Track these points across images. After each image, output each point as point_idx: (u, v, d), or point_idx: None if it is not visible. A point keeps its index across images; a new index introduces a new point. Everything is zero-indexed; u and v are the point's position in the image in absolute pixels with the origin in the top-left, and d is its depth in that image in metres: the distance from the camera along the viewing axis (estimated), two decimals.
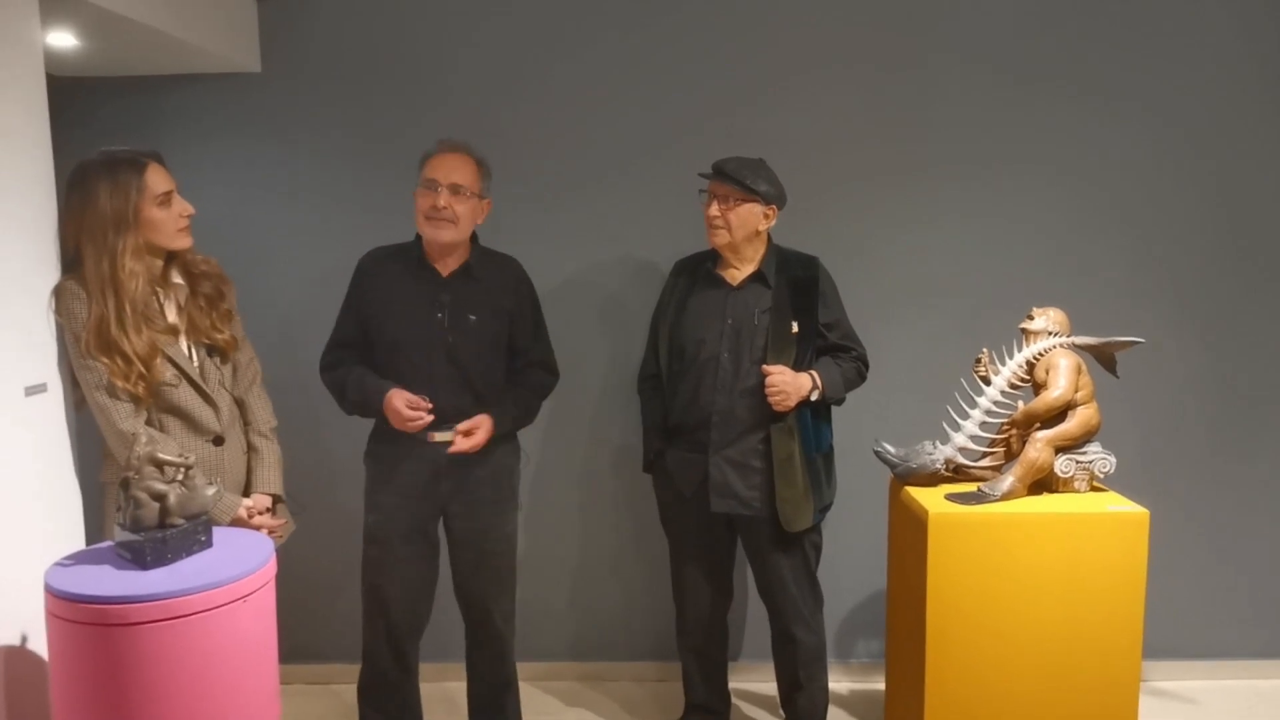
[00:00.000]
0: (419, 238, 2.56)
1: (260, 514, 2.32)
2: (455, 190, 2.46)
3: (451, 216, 2.46)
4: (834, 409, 2.71)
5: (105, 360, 2.09)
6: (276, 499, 2.40)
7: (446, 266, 2.54)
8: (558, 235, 3.18)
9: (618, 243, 3.20)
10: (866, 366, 2.70)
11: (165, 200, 2.20)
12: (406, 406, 2.42)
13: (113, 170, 2.15)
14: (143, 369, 2.12)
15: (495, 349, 2.59)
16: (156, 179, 2.19)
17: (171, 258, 2.29)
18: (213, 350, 2.32)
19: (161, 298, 2.25)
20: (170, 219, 2.21)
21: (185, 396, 2.23)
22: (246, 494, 2.37)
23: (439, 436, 2.50)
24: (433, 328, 2.50)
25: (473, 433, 2.49)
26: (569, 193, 3.18)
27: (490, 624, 2.68)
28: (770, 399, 2.51)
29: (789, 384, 2.51)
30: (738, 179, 2.53)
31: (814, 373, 2.57)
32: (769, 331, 2.56)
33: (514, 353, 2.65)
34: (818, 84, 3.13)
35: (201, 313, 2.29)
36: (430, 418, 2.44)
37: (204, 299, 2.31)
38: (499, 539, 2.65)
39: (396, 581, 2.57)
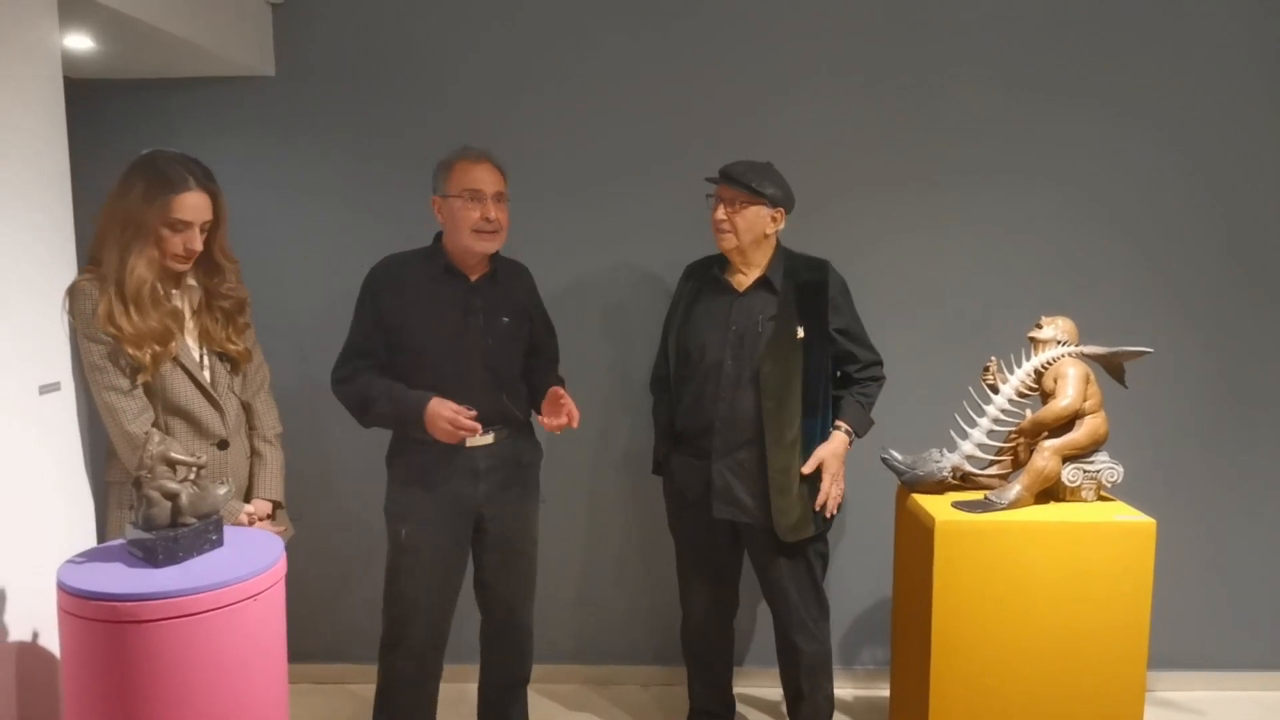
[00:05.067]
0: (438, 243, 2.56)
1: (261, 520, 2.33)
2: (498, 199, 2.47)
3: (498, 226, 2.47)
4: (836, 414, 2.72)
5: (114, 331, 2.10)
6: (277, 505, 2.41)
7: (474, 271, 2.54)
8: (564, 239, 3.19)
9: (623, 248, 3.21)
10: (882, 369, 2.71)
11: (178, 227, 2.17)
12: (454, 415, 2.38)
13: (158, 176, 2.15)
14: (155, 345, 2.13)
15: (522, 352, 2.62)
16: (185, 207, 2.16)
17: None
18: (224, 356, 2.33)
19: (178, 299, 2.26)
20: (172, 245, 2.18)
21: (192, 400, 2.24)
22: (247, 499, 2.38)
23: (474, 441, 2.50)
24: (469, 333, 2.49)
25: (560, 409, 2.45)
26: (575, 197, 3.20)
27: (514, 622, 2.69)
28: (833, 501, 2.60)
29: (836, 467, 2.59)
30: (744, 182, 2.52)
31: (841, 423, 2.63)
32: (771, 339, 2.56)
33: (531, 352, 2.66)
34: (825, 91, 3.14)
35: (217, 324, 2.30)
36: (478, 426, 2.41)
37: (220, 312, 2.32)
38: (528, 538, 2.67)
39: (431, 591, 2.55)
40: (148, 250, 2.15)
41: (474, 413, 2.40)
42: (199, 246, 2.22)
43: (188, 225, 2.18)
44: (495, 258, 2.60)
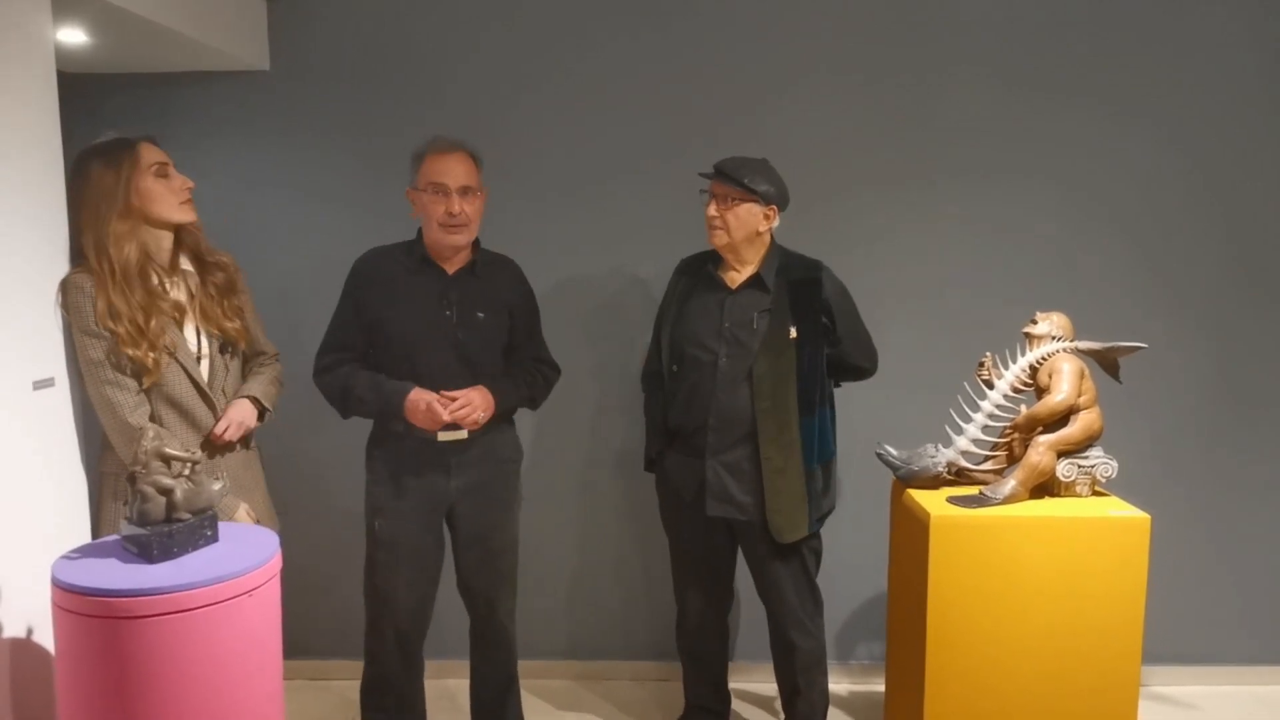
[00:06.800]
0: (419, 236, 2.56)
1: (238, 427, 2.32)
2: (464, 192, 2.46)
3: (465, 220, 2.46)
4: (838, 413, 2.71)
5: (112, 326, 2.11)
6: (261, 409, 2.38)
7: (452, 265, 2.54)
8: (557, 238, 3.19)
9: (616, 246, 3.21)
10: (866, 370, 2.72)
11: (161, 171, 2.23)
12: (433, 401, 2.40)
13: (105, 150, 2.21)
14: (148, 332, 2.14)
15: (500, 346, 2.60)
16: (149, 153, 2.23)
17: (180, 243, 2.30)
18: (225, 346, 2.33)
19: (168, 284, 2.26)
20: (169, 191, 2.24)
21: (187, 395, 2.24)
22: (241, 493, 2.37)
23: (447, 436, 2.50)
24: (443, 326, 2.50)
25: (465, 408, 2.43)
26: (569, 195, 3.19)
27: (494, 621, 2.69)
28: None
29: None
30: (737, 178, 2.51)
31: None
32: (764, 335, 2.55)
33: (509, 350, 2.64)
34: (824, 90, 3.13)
35: (212, 301, 2.31)
36: (459, 414, 2.42)
37: (214, 287, 2.33)
38: (504, 537, 2.66)
39: (404, 585, 2.56)
40: (120, 209, 2.17)
41: (456, 398, 2.41)
42: (191, 182, 2.28)
43: (165, 165, 2.24)
44: (479, 251, 2.59)
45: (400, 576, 2.55)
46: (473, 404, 2.44)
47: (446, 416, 2.40)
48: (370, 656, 2.63)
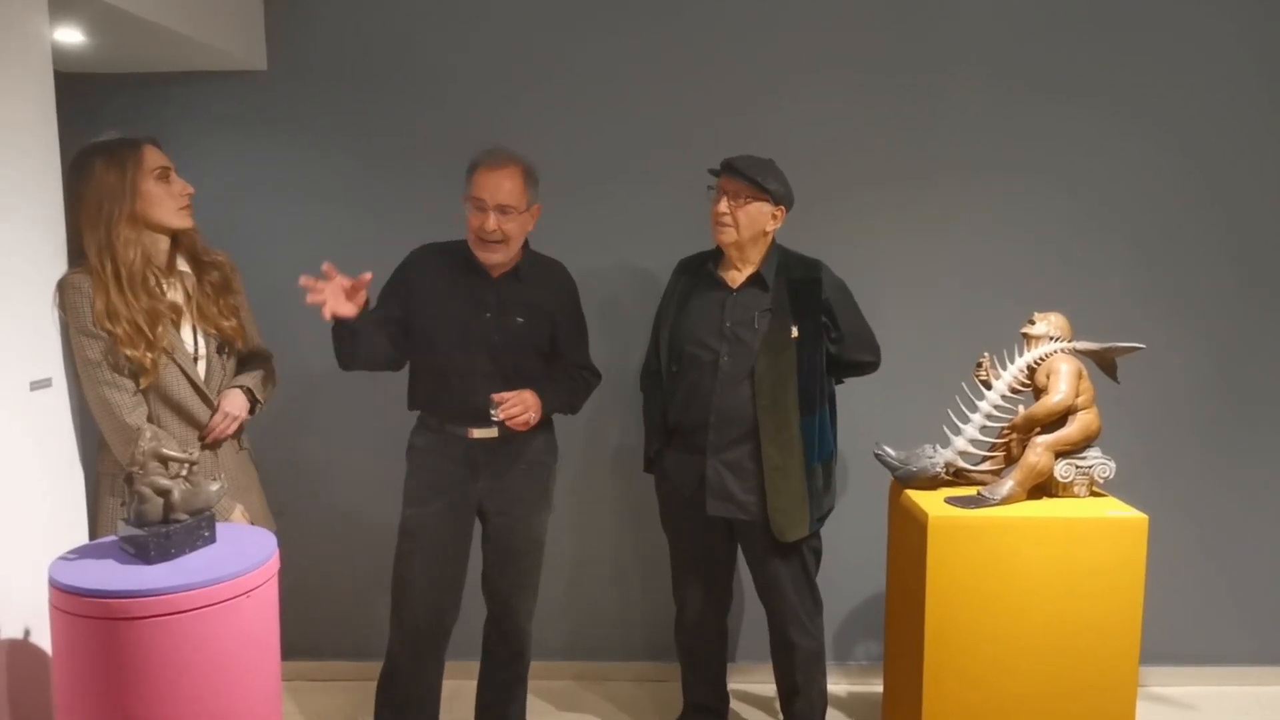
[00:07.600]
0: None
1: (230, 416, 2.30)
2: (503, 210, 2.45)
3: (500, 238, 2.46)
4: (839, 412, 2.71)
5: (110, 327, 2.11)
6: (253, 400, 2.37)
7: (497, 269, 2.55)
8: (557, 237, 3.15)
9: (617, 244, 3.20)
10: (870, 364, 2.71)
11: (163, 176, 2.23)
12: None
13: (109, 148, 2.20)
14: (149, 335, 2.14)
15: (537, 352, 2.60)
16: (152, 156, 2.23)
17: (177, 244, 2.30)
18: (222, 346, 2.33)
19: (165, 285, 2.26)
20: (169, 196, 2.24)
21: (185, 395, 2.25)
22: (238, 494, 2.37)
23: (479, 433, 2.51)
24: (480, 327, 2.51)
25: (516, 407, 2.41)
26: (572, 194, 3.18)
27: (511, 620, 2.70)
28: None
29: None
30: (749, 176, 2.51)
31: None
32: (765, 336, 2.55)
33: (553, 356, 2.65)
34: (824, 89, 3.13)
35: (209, 300, 2.32)
36: (328, 280, 2.30)
37: (210, 286, 2.33)
38: (527, 539, 2.66)
39: (423, 579, 2.56)
40: (126, 211, 2.17)
41: (508, 398, 2.40)
42: (191, 188, 2.29)
43: (167, 170, 2.24)
44: (528, 254, 2.61)
45: (422, 568, 2.56)
46: (526, 403, 2.44)
47: (330, 280, 2.28)
48: (389, 650, 2.64)
